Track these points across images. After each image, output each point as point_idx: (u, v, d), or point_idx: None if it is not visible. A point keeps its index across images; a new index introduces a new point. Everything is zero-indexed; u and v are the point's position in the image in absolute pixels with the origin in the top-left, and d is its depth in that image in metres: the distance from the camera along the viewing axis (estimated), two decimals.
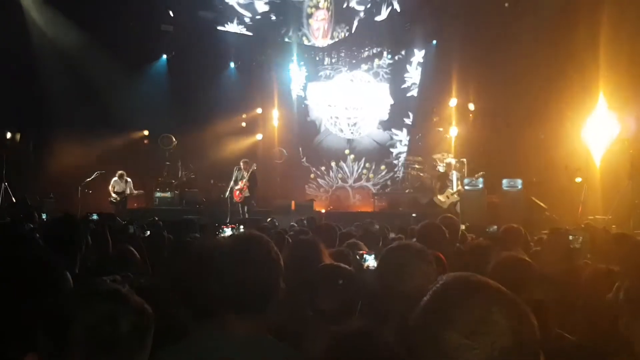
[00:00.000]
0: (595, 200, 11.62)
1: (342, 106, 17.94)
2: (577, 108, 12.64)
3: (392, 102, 17.35)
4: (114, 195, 12.60)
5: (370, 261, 3.09)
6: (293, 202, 14.05)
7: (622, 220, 10.29)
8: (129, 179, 12.85)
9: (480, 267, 2.91)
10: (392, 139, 17.30)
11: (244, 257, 1.95)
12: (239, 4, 17.37)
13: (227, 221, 11.73)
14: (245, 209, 12.59)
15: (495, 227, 6.49)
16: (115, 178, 12.68)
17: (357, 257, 3.18)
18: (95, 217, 5.97)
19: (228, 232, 4.81)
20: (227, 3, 17.20)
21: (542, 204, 11.96)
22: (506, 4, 14.09)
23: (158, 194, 14.13)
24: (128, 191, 12.85)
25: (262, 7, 17.67)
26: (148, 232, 6.15)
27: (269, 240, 2.05)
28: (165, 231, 6.16)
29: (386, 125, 17.52)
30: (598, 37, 11.47)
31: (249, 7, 17.57)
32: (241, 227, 5.39)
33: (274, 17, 17.79)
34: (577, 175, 12.06)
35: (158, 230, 5.98)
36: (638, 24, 10.94)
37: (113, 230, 5.32)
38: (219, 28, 16.97)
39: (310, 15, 18.32)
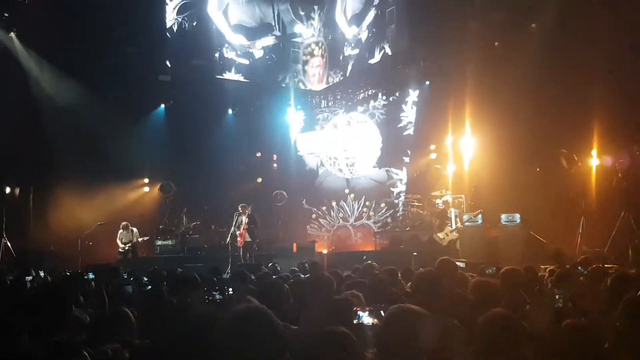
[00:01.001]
0: (593, 232, 11.69)
1: (341, 147, 18.19)
2: (572, 143, 12.83)
3: (390, 142, 17.55)
4: (121, 246, 12.67)
5: (365, 318, 3.10)
6: (295, 245, 14.11)
7: (620, 252, 10.34)
8: (134, 229, 12.96)
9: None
10: (391, 177, 17.45)
11: (246, 336, 1.92)
12: (237, 55, 17.81)
13: (228, 268, 11.81)
14: (247, 255, 12.61)
15: (494, 268, 6.50)
16: (121, 230, 12.78)
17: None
18: (91, 276, 6.01)
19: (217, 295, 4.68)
20: (224, 57, 17.62)
21: (540, 238, 11.99)
22: (496, 43, 14.41)
23: (159, 242, 14.17)
24: (135, 239, 12.93)
25: (258, 53, 18.12)
26: (149, 287, 6.21)
27: (269, 315, 2.02)
28: (165, 283, 6.22)
29: (385, 164, 17.70)
30: (591, 75, 11.75)
31: (246, 55, 18.00)
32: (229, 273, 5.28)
33: (270, 62, 18.22)
34: (578, 203, 12.18)
35: (158, 286, 6.02)
36: (628, 64, 11.22)
37: (112, 287, 5.39)
38: (217, 76, 17.36)
39: (305, 62, 18.81)
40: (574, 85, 12.35)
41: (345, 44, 18.17)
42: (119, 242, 12.73)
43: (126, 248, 12.58)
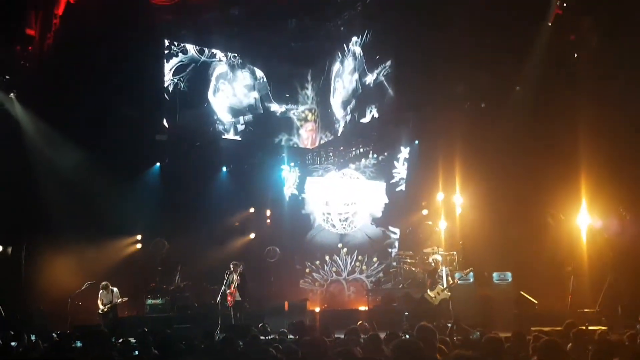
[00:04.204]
0: (584, 291, 11.74)
1: (333, 203, 18.40)
2: (561, 202, 13.04)
3: (385, 199, 17.73)
4: (101, 307, 12.59)
5: None
6: (286, 303, 14.00)
7: (610, 312, 10.37)
8: (114, 289, 12.86)
9: None
10: (389, 237, 17.56)
11: None
12: (234, 119, 18.27)
13: (218, 329, 11.68)
14: (238, 314, 12.50)
15: (479, 332, 6.54)
16: (101, 290, 12.70)
17: None
18: (79, 344, 6.01)
19: None
20: (221, 120, 18.07)
21: (531, 298, 12.03)
22: (482, 105, 14.86)
23: (149, 301, 14.03)
24: (115, 300, 12.84)
25: (241, 127, 18.61)
26: (136, 352, 6.20)
27: None
28: (153, 347, 6.20)
29: (379, 222, 17.83)
30: (578, 136, 12.11)
31: (241, 117, 18.51)
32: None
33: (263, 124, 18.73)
34: (568, 262, 12.27)
35: (145, 350, 6.01)
36: (616, 125, 11.59)
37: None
38: (212, 135, 17.75)
39: (299, 127, 19.42)
40: (561, 146, 12.71)
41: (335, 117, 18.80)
42: (99, 303, 12.64)
43: (105, 309, 12.51)
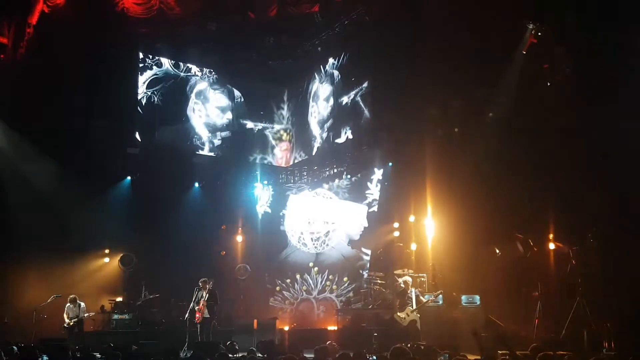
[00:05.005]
0: (550, 316, 11.91)
1: (308, 222, 18.37)
2: (530, 227, 13.29)
3: (365, 223, 17.69)
4: (67, 321, 12.25)
5: None
6: (255, 321, 13.86)
7: (575, 338, 10.53)
8: (82, 303, 12.60)
9: None
10: (357, 254, 17.53)
11: None
12: (210, 134, 18.17)
13: (185, 346, 11.48)
14: (205, 332, 12.30)
15: (447, 354, 6.58)
16: (68, 304, 12.41)
17: None
18: (45, 358, 5.87)
19: None
20: (199, 135, 17.97)
21: (499, 322, 12.15)
22: (455, 129, 15.10)
23: (115, 316, 13.76)
24: (82, 314, 12.53)
25: (217, 142, 18.59)
26: None
27: None
28: None
29: (355, 243, 17.79)
30: (546, 163, 12.41)
31: (216, 133, 18.44)
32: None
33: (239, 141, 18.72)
34: (536, 287, 12.46)
35: None
36: (583, 152, 11.92)
37: None
38: (185, 150, 17.62)
39: (274, 146, 19.45)
40: (530, 172, 12.99)
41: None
42: (65, 316, 12.33)
43: (71, 323, 12.19)
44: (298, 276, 18.06)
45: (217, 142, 18.28)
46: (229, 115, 18.69)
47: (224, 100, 18.72)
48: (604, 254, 11.27)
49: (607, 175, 11.16)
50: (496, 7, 12.92)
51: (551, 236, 12.97)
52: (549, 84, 13.53)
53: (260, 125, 19.23)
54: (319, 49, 18.54)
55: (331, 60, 18.33)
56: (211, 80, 18.65)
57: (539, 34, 13.44)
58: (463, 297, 12.76)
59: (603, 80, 11.60)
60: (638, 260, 10.22)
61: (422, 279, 13.87)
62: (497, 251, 13.62)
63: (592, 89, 12.13)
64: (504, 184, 13.40)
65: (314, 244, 18.28)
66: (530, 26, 13.41)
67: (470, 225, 13.91)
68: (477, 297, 12.68)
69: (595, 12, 11.58)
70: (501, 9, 12.94)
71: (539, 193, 12.53)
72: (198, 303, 12.32)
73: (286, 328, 15.44)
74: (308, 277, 18.01)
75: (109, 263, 15.98)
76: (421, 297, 12.50)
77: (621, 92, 10.90)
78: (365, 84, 17.16)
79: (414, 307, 12.30)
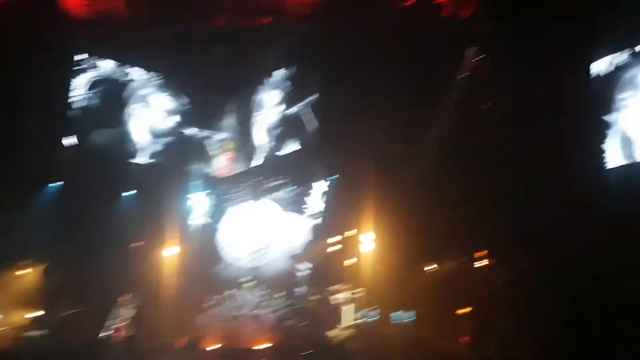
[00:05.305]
0: (484, 333, 11.89)
1: (245, 234, 17.85)
2: (467, 243, 13.35)
3: (308, 236, 17.35)
4: None
5: None
6: (182, 339, 13.29)
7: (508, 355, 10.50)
8: None
9: None
10: (294, 268, 17.12)
11: None
12: (151, 140, 17.68)
13: None
14: (128, 349, 11.73)
15: None
16: None
17: None
18: None
19: None
20: (137, 140, 17.45)
21: (434, 339, 12.07)
22: (399, 147, 15.17)
23: (30, 332, 12.99)
24: None
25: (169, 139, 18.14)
26: None
27: None
28: None
29: (295, 256, 17.40)
30: (487, 179, 12.53)
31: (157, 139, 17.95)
32: None
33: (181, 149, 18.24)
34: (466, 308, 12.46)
35: None
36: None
37: None
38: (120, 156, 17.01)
39: (217, 155, 18.92)
40: (471, 187, 13.11)
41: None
42: None
43: None
44: (232, 291, 17.39)
45: (157, 148, 17.73)
46: (171, 121, 18.19)
47: (168, 106, 18.24)
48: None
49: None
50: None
51: (488, 252, 13.03)
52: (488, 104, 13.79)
53: (204, 133, 18.76)
54: (269, 60, 18.35)
55: (281, 70, 18.16)
56: (155, 85, 18.16)
57: (480, 57, 13.74)
58: (398, 313, 12.68)
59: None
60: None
61: (358, 294, 13.68)
62: (432, 267, 13.63)
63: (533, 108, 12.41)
64: (445, 201, 13.50)
65: (251, 258, 17.75)
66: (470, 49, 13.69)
67: (410, 241, 13.89)
68: (413, 313, 12.64)
69: None
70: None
71: (478, 207, 12.61)
72: (121, 320, 11.75)
73: (215, 346, 14.85)
74: (242, 292, 17.39)
75: (29, 274, 15.08)
76: (356, 314, 12.34)
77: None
78: (314, 96, 17.11)
79: (349, 323, 12.10)
